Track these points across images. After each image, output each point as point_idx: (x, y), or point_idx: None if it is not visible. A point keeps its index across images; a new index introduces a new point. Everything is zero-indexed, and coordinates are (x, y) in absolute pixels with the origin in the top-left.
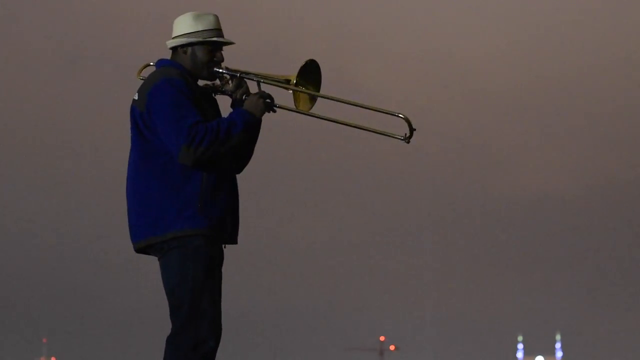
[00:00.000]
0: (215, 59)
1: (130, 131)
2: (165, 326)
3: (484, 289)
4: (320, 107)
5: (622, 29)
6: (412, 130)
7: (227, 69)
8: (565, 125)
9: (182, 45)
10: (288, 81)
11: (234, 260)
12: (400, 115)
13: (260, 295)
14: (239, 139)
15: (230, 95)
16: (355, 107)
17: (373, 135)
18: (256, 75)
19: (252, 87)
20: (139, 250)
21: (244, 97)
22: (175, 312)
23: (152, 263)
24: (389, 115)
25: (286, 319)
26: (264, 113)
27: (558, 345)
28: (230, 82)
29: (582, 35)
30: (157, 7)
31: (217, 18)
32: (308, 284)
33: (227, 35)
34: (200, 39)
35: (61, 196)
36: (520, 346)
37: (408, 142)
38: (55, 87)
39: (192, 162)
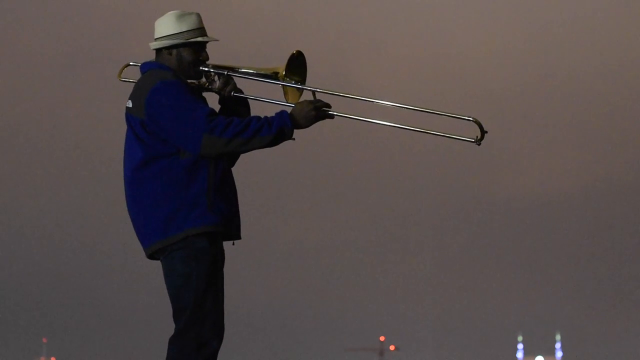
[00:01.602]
0: (201, 58)
1: (126, 138)
2: (165, 326)
3: (484, 288)
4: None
5: (622, 29)
6: (483, 132)
7: (214, 67)
8: (565, 126)
9: (167, 47)
10: (276, 74)
11: (234, 259)
12: (470, 119)
13: (259, 295)
14: (270, 141)
15: (219, 93)
16: (415, 111)
17: (370, 135)
18: (242, 68)
19: (240, 83)
20: (151, 255)
21: (232, 94)
22: (178, 314)
23: (152, 263)
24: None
25: (286, 319)
26: (314, 123)
27: (558, 345)
28: (217, 79)
29: (582, 36)
30: (154, 5)
31: (199, 17)
32: (308, 283)
33: (221, 33)
34: (185, 40)
35: (61, 196)
36: (520, 346)
37: (479, 145)
38: (55, 87)
39: (216, 151)
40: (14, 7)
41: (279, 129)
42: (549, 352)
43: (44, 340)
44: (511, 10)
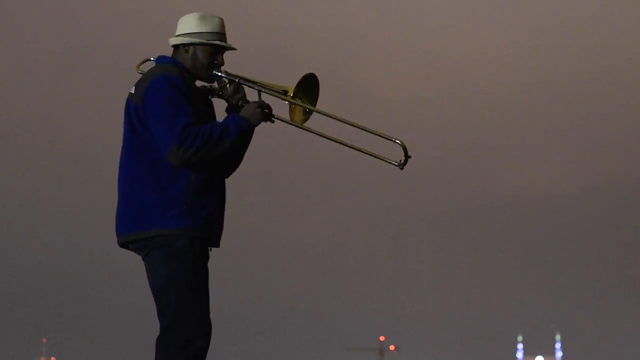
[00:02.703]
0: (215, 61)
1: (123, 124)
2: None
3: (484, 288)
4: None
5: (621, 30)
6: (407, 157)
7: (226, 73)
8: (565, 126)
9: (185, 44)
10: (285, 92)
11: (234, 259)
12: (397, 141)
13: (260, 295)
14: (231, 144)
15: (227, 100)
16: (352, 126)
17: (370, 134)
18: (255, 82)
19: (250, 94)
20: (121, 244)
21: (240, 102)
22: (162, 312)
23: None
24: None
25: (286, 319)
26: (261, 122)
27: (558, 345)
28: (228, 86)
29: (582, 37)
30: (162, 5)
31: (222, 21)
32: (308, 283)
33: (231, 39)
34: (203, 41)
35: (61, 196)
36: (520, 346)
37: (402, 169)
38: (56, 86)
39: (179, 162)
40: (15, 6)
41: (237, 131)
42: (549, 352)
43: (44, 340)
44: (512, 11)
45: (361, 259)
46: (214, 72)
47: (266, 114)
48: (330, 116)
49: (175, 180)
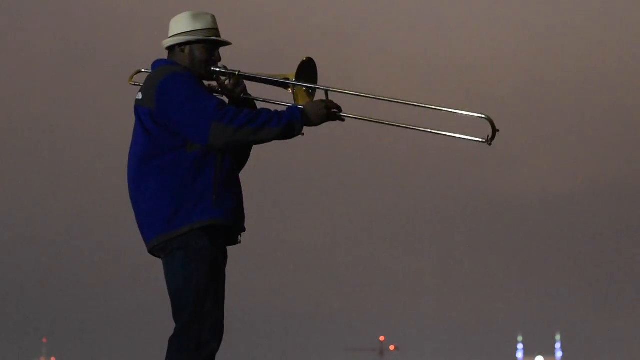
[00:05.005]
0: (213, 58)
1: (133, 132)
2: (165, 326)
3: (484, 289)
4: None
5: (622, 30)
6: (494, 131)
7: (225, 68)
8: (565, 126)
9: (180, 44)
10: (287, 79)
11: (234, 259)
12: (482, 116)
13: (260, 295)
14: (277, 133)
15: (228, 95)
16: (425, 108)
17: (371, 135)
18: (254, 74)
19: (250, 87)
20: (152, 249)
21: (242, 95)
22: (178, 313)
23: (152, 262)
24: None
25: (286, 320)
26: (324, 122)
27: (558, 345)
28: (227, 81)
29: (582, 37)
30: (157, 7)
31: (214, 18)
32: (308, 284)
33: (227, 35)
34: (199, 38)
35: (62, 196)
36: (520, 346)
37: (490, 144)
38: (57, 87)
39: (224, 141)
40: (17, 7)
41: (288, 123)
42: (549, 352)
43: (44, 340)
44: (514, 11)
45: (361, 259)
46: (213, 68)
47: (333, 114)
48: (394, 101)
49: (200, 174)
